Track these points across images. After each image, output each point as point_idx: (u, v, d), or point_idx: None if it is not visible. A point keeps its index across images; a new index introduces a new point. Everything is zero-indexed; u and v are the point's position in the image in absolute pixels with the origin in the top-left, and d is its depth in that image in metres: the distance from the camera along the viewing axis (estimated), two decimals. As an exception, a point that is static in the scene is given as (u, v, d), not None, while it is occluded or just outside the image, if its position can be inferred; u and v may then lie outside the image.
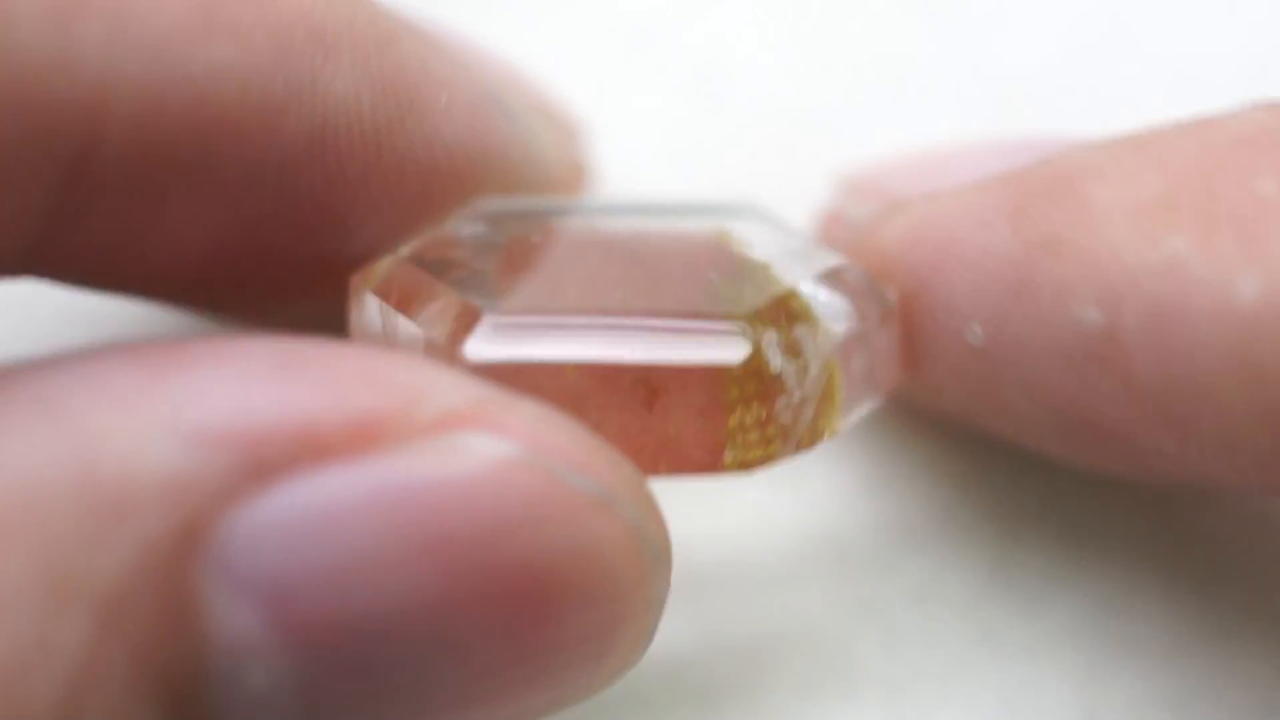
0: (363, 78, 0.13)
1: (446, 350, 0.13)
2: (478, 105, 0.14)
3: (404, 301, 0.13)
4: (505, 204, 0.14)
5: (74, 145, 0.11)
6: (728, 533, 0.17)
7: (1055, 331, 0.13)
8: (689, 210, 0.15)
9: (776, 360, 0.13)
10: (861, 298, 0.14)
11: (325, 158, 0.12)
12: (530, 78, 0.17)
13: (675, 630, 0.16)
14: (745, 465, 0.13)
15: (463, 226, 0.14)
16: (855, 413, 0.14)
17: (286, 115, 0.12)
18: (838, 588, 0.16)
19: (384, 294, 0.13)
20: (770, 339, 0.13)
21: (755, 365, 0.13)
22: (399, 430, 0.11)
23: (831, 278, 0.14)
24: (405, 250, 0.13)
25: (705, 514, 0.17)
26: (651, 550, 0.12)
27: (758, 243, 0.14)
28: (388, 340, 0.13)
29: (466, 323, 0.13)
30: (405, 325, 0.13)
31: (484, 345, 0.13)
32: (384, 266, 0.13)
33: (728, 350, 0.13)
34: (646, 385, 0.13)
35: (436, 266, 0.13)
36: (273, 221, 0.12)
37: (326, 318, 0.14)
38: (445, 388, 0.11)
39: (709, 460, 0.13)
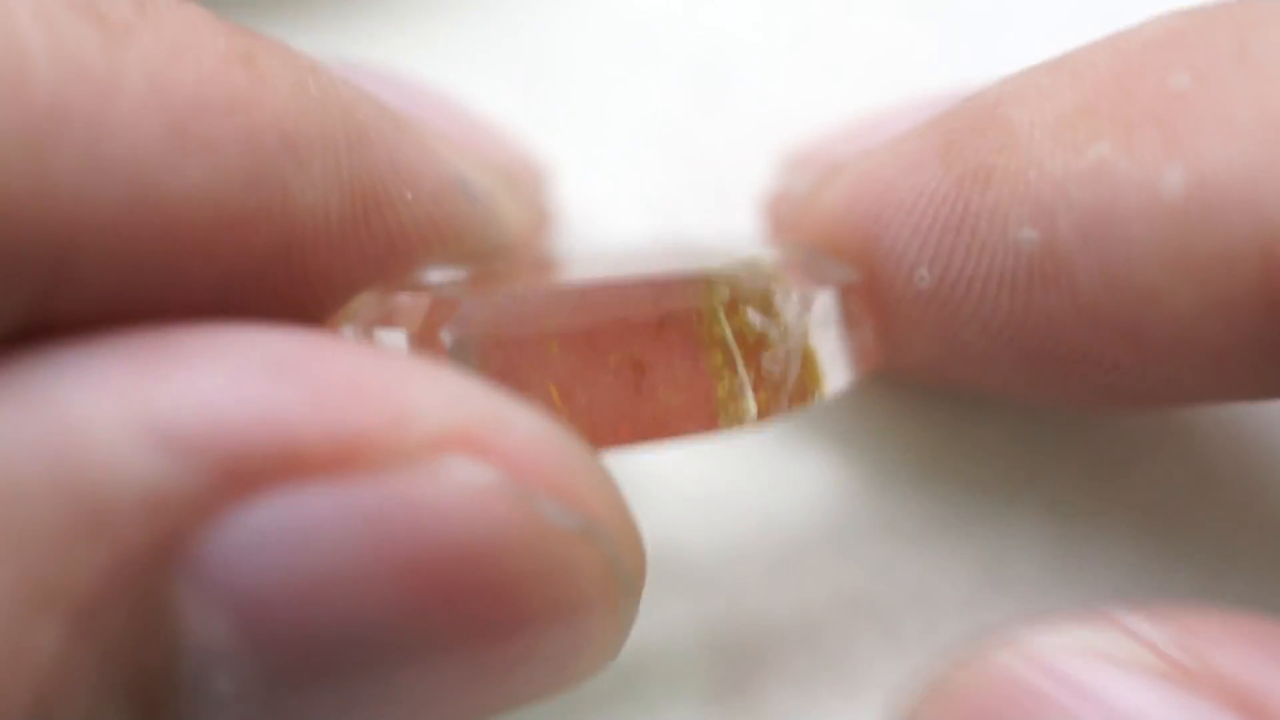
0: (333, 184, 0.12)
1: (427, 336, 0.13)
2: (442, 192, 0.14)
3: (382, 318, 0.13)
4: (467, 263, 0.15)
5: (44, 269, 0.11)
6: (728, 532, 0.17)
7: (998, 258, 0.13)
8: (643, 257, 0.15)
9: (755, 318, 0.13)
10: (821, 268, 0.14)
11: (290, 260, 0.12)
12: (493, 133, 0.17)
13: (675, 630, 0.16)
14: (741, 424, 0.13)
15: (429, 274, 0.14)
16: (839, 375, 0.14)
17: (256, 228, 0.12)
18: (838, 588, 0.16)
19: (360, 320, 0.13)
20: (745, 295, 0.13)
21: (737, 325, 0.13)
22: (383, 451, 0.11)
23: (790, 254, 0.14)
24: (372, 294, 0.14)
25: (706, 514, 0.17)
26: (623, 579, 0.12)
27: (714, 250, 0.15)
28: None
29: (446, 310, 0.13)
30: (384, 332, 0.13)
31: (464, 326, 0.12)
32: (355, 305, 0.13)
33: (706, 298, 0.13)
34: (632, 364, 0.13)
35: (410, 291, 0.13)
36: (237, 310, 0.12)
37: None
38: (438, 406, 0.11)
39: (704, 427, 0.13)
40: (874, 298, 0.14)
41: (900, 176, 0.14)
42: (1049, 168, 0.12)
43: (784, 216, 0.16)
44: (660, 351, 0.12)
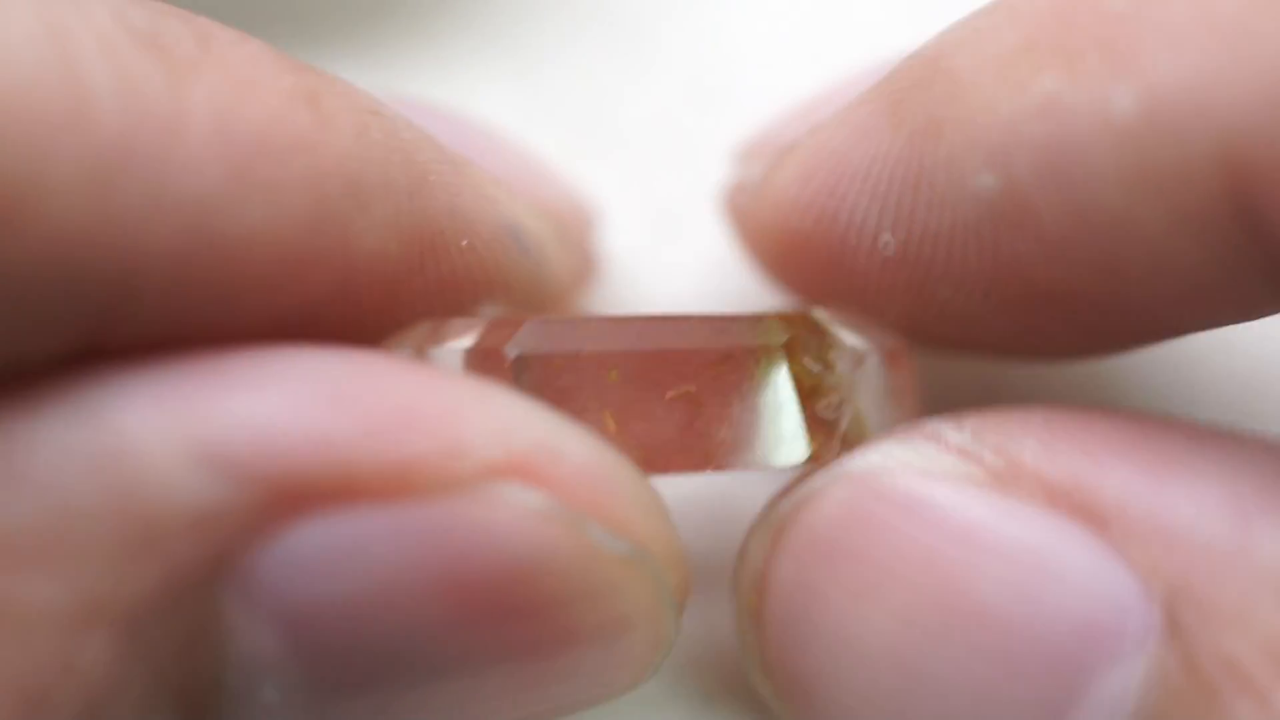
0: (392, 229, 0.12)
1: (485, 351, 0.13)
2: (496, 241, 0.14)
3: (436, 338, 0.13)
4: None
5: (107, 294, 0.11)
6: (730, 532, 0.16)
7: (960, 210, 0.13)
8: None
9: (812, 365, 0.13)
10: (866, 330, 0.14)
11: (346, 302, 0.12)
12: (544, 174, 0.17)
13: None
14: (791, 465, 0.13)
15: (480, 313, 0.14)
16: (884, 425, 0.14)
17: (316, 270, 0.12)
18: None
19: (413, 339, 0.13)
20: (803, 342, 0.13)
21: (795, 369, 0.13)
22: (437, 479, 0.11)
23: (836, 317, 0.14)
24: (426, 324, 0.14)
25: (707, 514, 0.17)
26: (667, 599, 0.12)
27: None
28: None
29: (507, 329, 0.13)
30: (442, 348, 0.13)
31: (527, 341, 0.13)
32: (409, 331, 0.14)
33: (765, 341, 0.13)
34: (687, 399, 0.13)
35: (463, 319, 0.14)
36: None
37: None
38: (492, 434, 0.12)
39: (754, 466, 0.13)
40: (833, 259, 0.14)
41: (851, 145, 0.13)
42: (998, 110, 0.12)
43: (742, 207, 0.16)
44: (717, 390, 0.13)
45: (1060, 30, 0.12)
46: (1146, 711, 0.11)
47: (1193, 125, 0.11)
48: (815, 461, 0.13)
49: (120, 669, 0.11)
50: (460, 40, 0.21)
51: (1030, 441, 0.12)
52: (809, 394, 0.13)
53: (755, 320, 0.13)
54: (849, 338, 0.14)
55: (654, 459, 0.13)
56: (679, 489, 0.16)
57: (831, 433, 0.13)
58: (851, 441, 0.13)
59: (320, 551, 0.11)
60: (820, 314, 0.14)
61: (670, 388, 0.13)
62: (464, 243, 0.13)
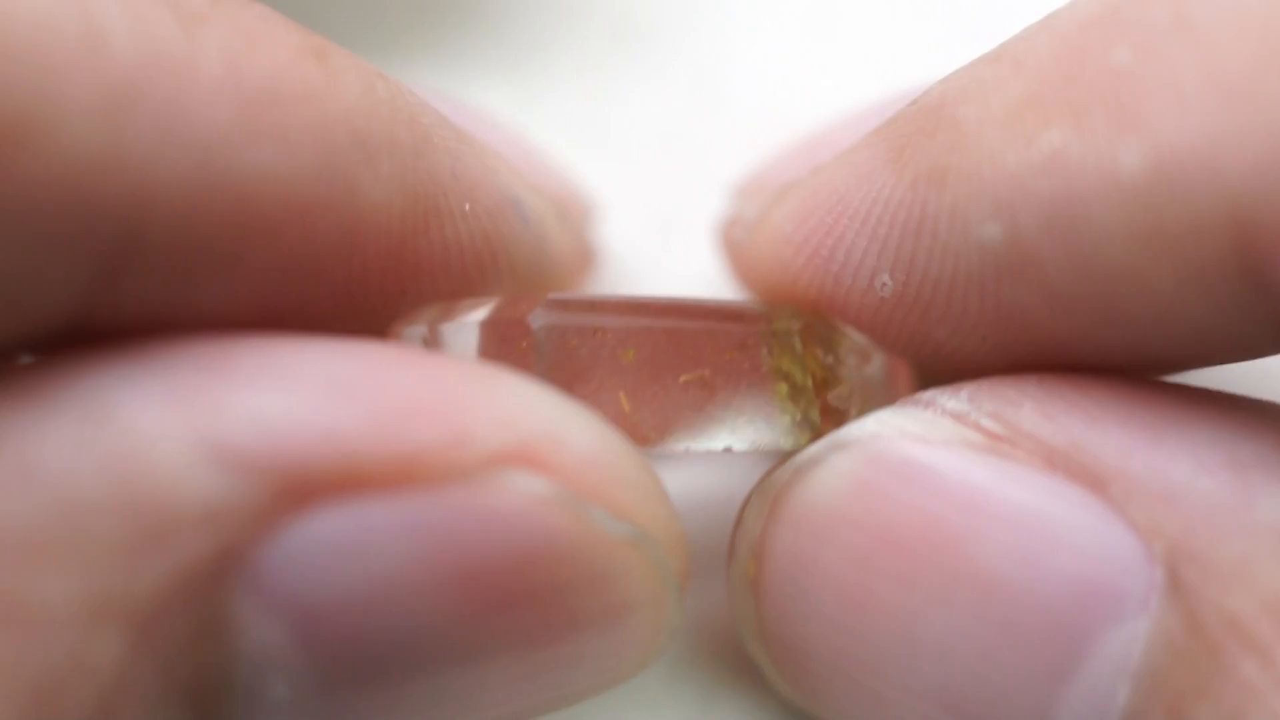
0: (398, 185, 0.13)
1: (509, 323, 0.13)
2: (498, 209, 0.14)
3: (451, 311, 0.13)
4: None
5: (116, 233, 0.11)
6: (728, 532, 0.16)
7: (962, 258, 0.13)
8: None
9: (825, 356, 0.13)
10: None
11: (352, 258, 0.12)
12: (547, 165, 0.18)
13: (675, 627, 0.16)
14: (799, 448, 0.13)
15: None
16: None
17: (322, 218, 0.12)
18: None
19: (425, 318, 0.13)
20: (815, 333, 0.13)
21: (809, 358, 0.13)
22: (442, 468, 0.11)
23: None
24: (435, 306, 0.14)
25: (708, 513, 0.17)
26: (669, 582, 0.13)
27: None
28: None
29: (528, 303, 0.13)
30: (455, 324, 0.13)
31: (548, 314, 0.13)
32: (424, 313, 0.14)
33: (782, 328, 0.13)
34: (701, 383, 0.13)
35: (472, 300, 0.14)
36: (294, 312, 0.12)
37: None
38: (496, 422, 0.12)
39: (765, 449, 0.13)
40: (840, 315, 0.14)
41: (851, 186, 0.14)
42: (1003, 162, 0.12)
43: (738, 241, 0.16)
44: (730, 375, 0.13)
45: (1066, 84, 0.12)
46: (1149, 671, 0.11)
47: (1199, 185, 0.11)
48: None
49: (131, 666, 0.11)
50: (461, 41, 0.21)
51: (1027, 405, 0.12)
52: (821, 383, 0.13)
53: (770, 309, 0.13)
54: (855, 335, 0.14)
55: (665, 436, 0.13)
56: (681, 484, 0.16)
57: (841, 422, 0.13)
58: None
59: (328, 544, 0.11)
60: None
61: (685, 371, 0.13)
62: (466, 207, 0.13)
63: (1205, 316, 0.12)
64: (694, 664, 0.15)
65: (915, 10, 0.20)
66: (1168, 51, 0.12)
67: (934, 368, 0.14)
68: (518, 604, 0.12)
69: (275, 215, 0.12)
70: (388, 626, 0.11)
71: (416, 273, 0.13)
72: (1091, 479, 0.12)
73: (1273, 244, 0.11)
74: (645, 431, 0.13)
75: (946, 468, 0.12)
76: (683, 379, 0.13)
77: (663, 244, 0.19)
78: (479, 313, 0.13)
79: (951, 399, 0.13)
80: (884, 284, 0.13)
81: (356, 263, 0.13)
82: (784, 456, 0.14)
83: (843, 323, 0.14)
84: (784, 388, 0.13)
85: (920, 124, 0.13)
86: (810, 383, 0.13)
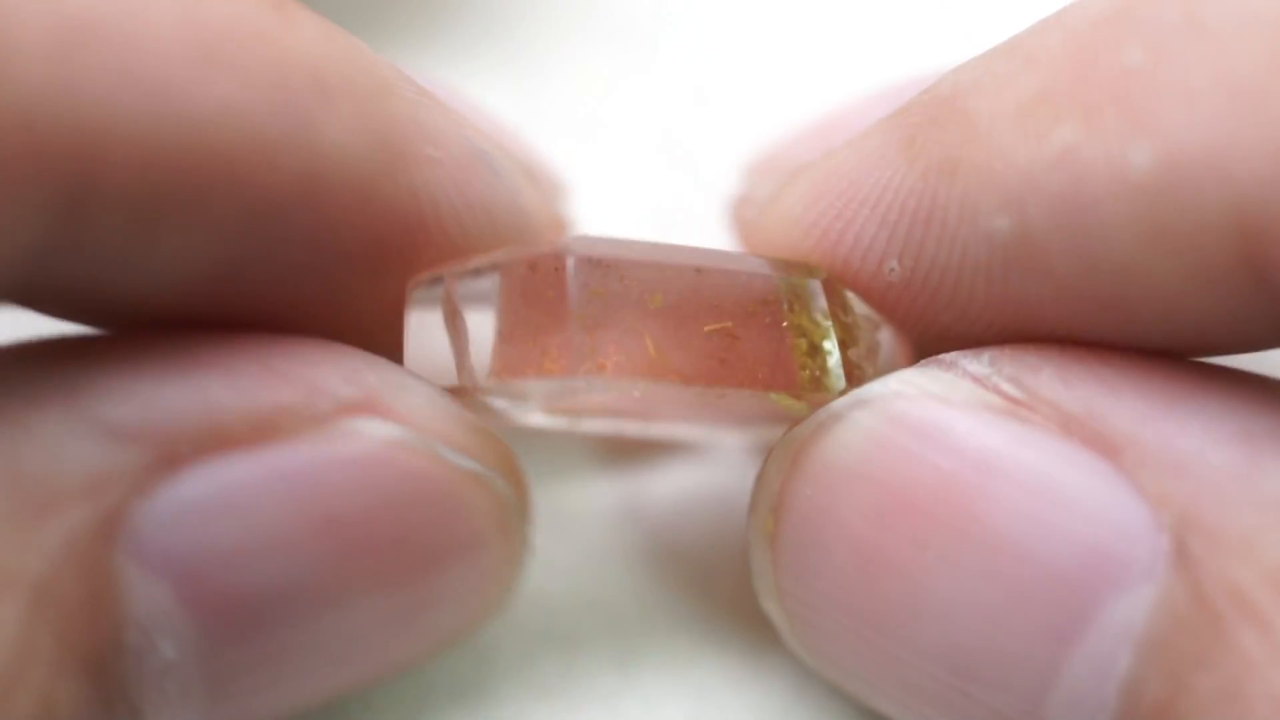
0: (358, 126, 0.13)
1: (537, 260, 0.13)
2: (466, 160, 0.14)
3: (463, 266, 0.14)
4: None
5: (70, 175, 0.11)
6: (730, 530, 0.17)
7: (970, 248, 0.13)
8: None
9: (845, 315, 0.14)
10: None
11: (316, 202, 0.13)
12: (515, 136, 0.18)
13: (676, 626, 0.16)
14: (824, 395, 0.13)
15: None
16: None
17: (281, 157, 0.12)
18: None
19: (443, 271, 0.14)
20: (834, 292, 0.14)
21: (832, 312, 0.13)
22: (298, 421, 0.12)
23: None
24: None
25: (708, 512, 0.17)
26: (516, 515, 0.13)
27: None
28: (454, 312, 0.14)
29: (550, 245, 0.13)
30: (470, 273, 0.13)
31: (581, 246, 0.13)
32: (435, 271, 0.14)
33: (802, 281, 0.13)
34: (725, 333, 0.13)
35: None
36: (261, 262, 0.13)
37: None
38: (341, 380, 0.13)
39: (787, 390, 0.13)
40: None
41: (863, 173, 0.14)
42: (1014, 156, 0.12)
43: (748, 220, 0.16)
44: (752, 329, 0.13)
45: (1077, 81, 0.12)
46: (1152, 639, 0.12)
47: (1208, 184, 0.11)
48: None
49: (30, 636, 0.11)
50: (460, 40, 0.21)
51: (1047, 371, 0.13)
52: (840, 342, 0.13)
53: (791, 267, 0.14)
54: (864, 307, 0.14)
55: (692, 383, 0.13)
56: (680, 489, 0.16)
57: (862, 379, 0.13)
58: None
59: (199, 501, 0.12)
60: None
61: (710, 322, 0.13)
62: (432, 151, 0.13)
63: (1209, 312, 0.12)
64: (694, 663, 0.15)
65: (915, 10, 0.20)
66: (1179, 52, 0.12)
67: (939, 349, 0.15)
68: (379, 544, 0.13)
69: (234, 154, 0.12)
70: (261, 578, 0.12)
71: (387, 224, 0.13)
72: (1105, 446, 0.12)
73: (1278, 244, 0.11)
74: (670, 377, 0.13)
75: (964, 429, 0.12)
76: (707, 329, 0.13)
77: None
78: (496, 257, 0.13)
79: (973, 361, 0.13)
80: (892, 269, 0.14)
81: (322, 207, 0.13)
82: (796, 417, 0.14)
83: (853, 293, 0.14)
84: (803, 343, 0.13)
85: (932, 114, 0.13)
86: (830, 339, 0.13)
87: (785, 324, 0.13)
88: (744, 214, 0.16)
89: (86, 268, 0.12)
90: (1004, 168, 0.12)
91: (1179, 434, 0.12)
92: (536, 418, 0.15)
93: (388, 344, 0.14)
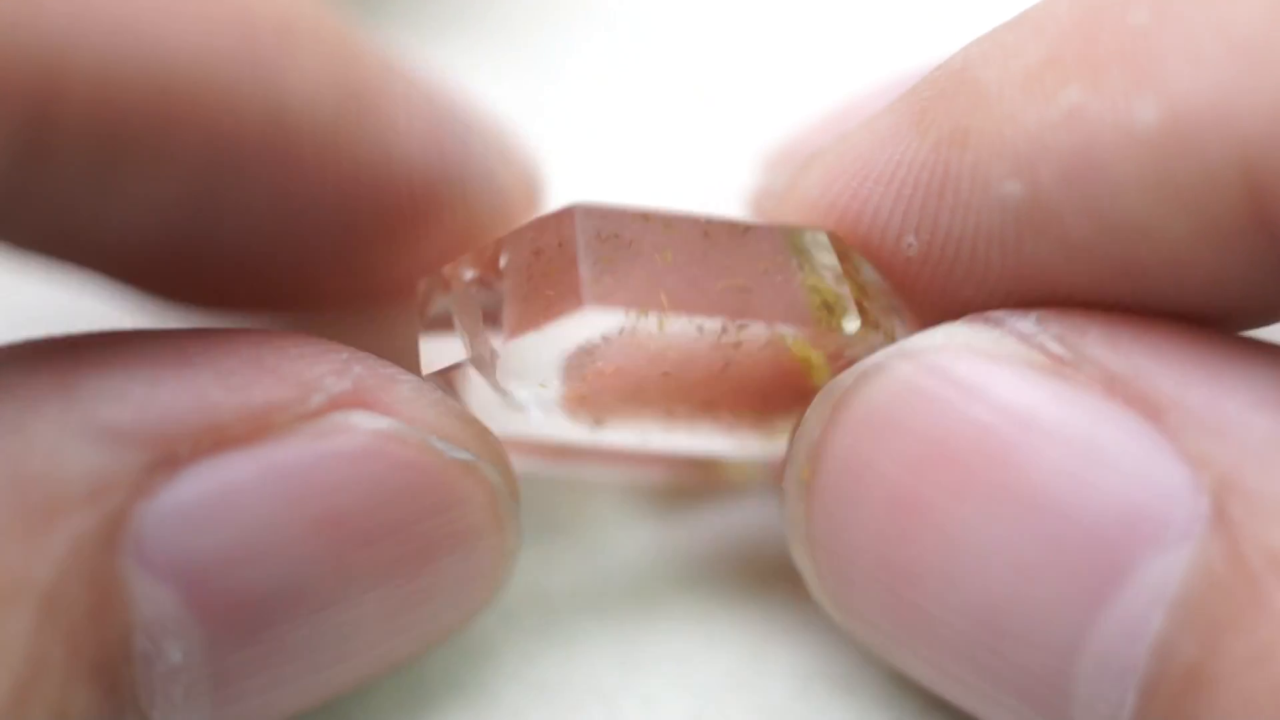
0: (324, 78, 0.13)
1: (546, 221, 0.13)
2: (437, 125, 0.14)
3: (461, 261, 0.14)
4: None
5: (31, 105, 0.11)
6: (729, 530, 0.17)
7: (984, 216, 0.13)
8: None
9: (859, 275, 0.14)
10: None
11: (282, 150, 0.13)
12: (487, 110, 0.18)
13: (676, 625, 0.16)
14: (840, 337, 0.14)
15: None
16: None
17: (246, 102, 0.12)
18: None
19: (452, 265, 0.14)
20: (846, 250, 0.14)
21: (848, 268, 0.14)
22: (292, 416, 0.12)
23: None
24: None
25: (708, 511, 0.17)
26: (508, 506, 0.13)
27: None
28: (464, 295, 0.14)
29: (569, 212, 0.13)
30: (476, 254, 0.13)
31: (591, 203, 0.13)
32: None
33: (813, 240, 0.14)
34: (738, 288, 0.13)
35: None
36: (227, 209, 0.13)
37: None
38: (331, 374, 0.13)
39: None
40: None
41: (876, 150, 0.14)
42: (1023, 120, 0.13)
43: (768, 211, 0.16)
44: (765, 285, 0.13)
45: (1084, 45, 0.12)
46: (1186, 601, 0.12)
47: (1213, 138, 0.11)
48: (861, 341, 0.13)
49: (41, 645, 0.11)
50: (461, 40, 0.21)
51: (1094, 332, 0.13)
52: (856, 298, 0.13)
53: (800, 227, 0.14)
54: (883, 283, 0.14)
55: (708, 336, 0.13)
56: (666, 491, 0.16)
57: (878, 326, 0.14)
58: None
59: (199, 501, 0.12)
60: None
61: (721, 279, 0.13)
62: (404, 115, 0.14)
63: (1220, 269, 0.12)
64: (694, 664, 0.15)
65: (916, 11, 0.20)
66: (1184, 10, 0.12)
67: None
68: (377, 537, 0.13)
69: (196, 95, 0.12)
70: (263, 576, 0.12)
71: (357, 183, 0.13)
72: (1148, 407, 0.12)
73: None
74: (687, 329, 0.13)
75: (1007, 384, 0.12)
76: (720, 286, 0.13)
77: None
78: (500, 237, 0.13)
79: (1020, 320, 0.13)
80: (909, 244, 0.14)
81: (288, 157, 0.13)
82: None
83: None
84: (816, 298, 0.13)
85: (942, 87, 0.13)
86: (843, 285, 0.13)
87: (797, 281, 0.13)
88: (763, 206, 0.17)
89: (50, 203, 0.12)
90: (1013, 132, 0.13)
91: (1222, 398, 0.12)
92: (558, 421, 0.14)
93: (369, 317, 0.14)
